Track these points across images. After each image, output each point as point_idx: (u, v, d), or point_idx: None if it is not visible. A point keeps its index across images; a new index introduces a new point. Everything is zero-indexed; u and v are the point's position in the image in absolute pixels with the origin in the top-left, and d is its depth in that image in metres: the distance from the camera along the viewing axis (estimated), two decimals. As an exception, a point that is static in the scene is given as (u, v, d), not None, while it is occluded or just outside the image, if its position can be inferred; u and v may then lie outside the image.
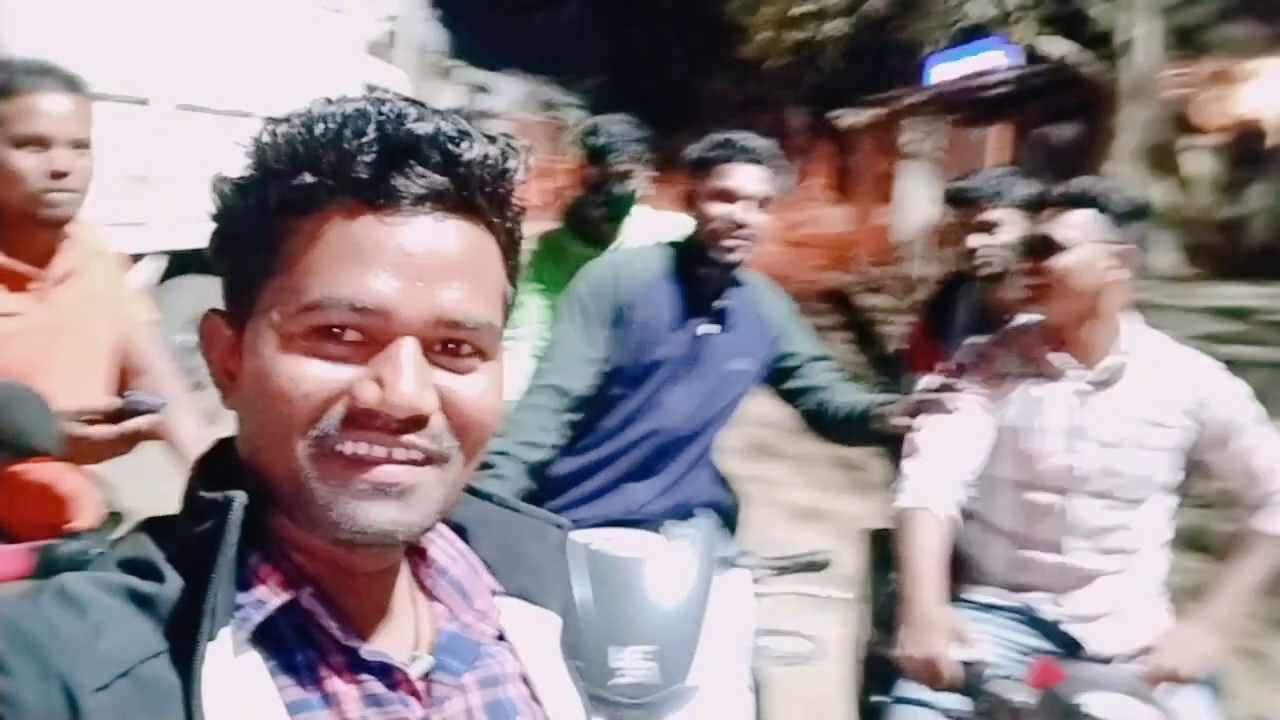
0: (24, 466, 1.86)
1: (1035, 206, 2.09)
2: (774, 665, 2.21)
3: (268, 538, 0.69)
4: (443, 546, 0.80)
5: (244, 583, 0.66)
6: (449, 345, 0.67)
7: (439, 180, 0.66)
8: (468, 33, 26.18)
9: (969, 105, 13.78)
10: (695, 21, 26.69)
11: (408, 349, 0.64)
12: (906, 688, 1.93)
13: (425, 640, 0.75)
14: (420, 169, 0.65)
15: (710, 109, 36.82)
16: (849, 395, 2.34)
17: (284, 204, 0.66)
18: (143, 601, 0.63)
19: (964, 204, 2.67)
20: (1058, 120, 13.14)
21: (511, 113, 23.73)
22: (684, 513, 2.30)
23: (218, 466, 0.70)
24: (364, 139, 0.64)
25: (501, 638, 0.79)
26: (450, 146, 0.66)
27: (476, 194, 0.68)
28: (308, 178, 0.64)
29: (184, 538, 0.66)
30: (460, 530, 0.82)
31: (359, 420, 0.64)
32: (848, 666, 2.57)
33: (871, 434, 2.25)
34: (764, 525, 4.92)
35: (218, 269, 0.71)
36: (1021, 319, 2.20)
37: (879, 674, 2.15)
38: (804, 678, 2.57)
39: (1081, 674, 1.79)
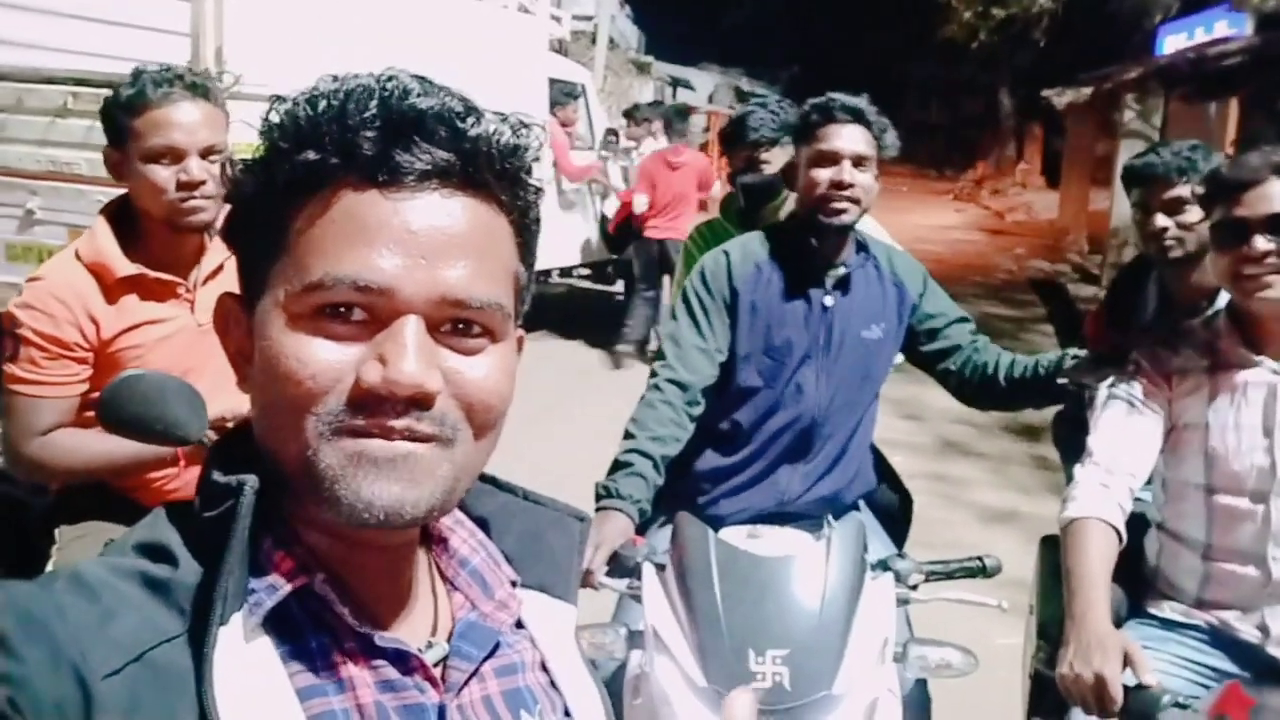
0: (176, 469, 2.00)
1: (1236, 184, 1.82)
2: (928, 676, 2.08)
3: (282, 523, 0.69)
4: (464, 537, 0.79)
5: (258, 568, 0.66)
6: (458, 326, 0.67)
7: (444, 156, 0.65)
8: (663, 28, 26.49)
9: (1196, 79, 12.72)
10: (897, 4, 25.96)
11: (411, 327, 0.64)
12: (1075, 713, 1.77)
13: (444, 629, 0.75)
14: (425, 144, 0.64)
15: (914, 94, 35.90)
16: (999, 356, 2.24)
17: (290, 183, 0.65)
18: (156, 586, 0.64)
19: (1149, 181, 2.43)
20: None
21: (707, 106, 23.78)
22: (841, 507, 2.23)
23: (235, 453, 0.70)
24: (367, 114, 0.63)
25: (520, 626, 0.79)
26: (456, 122, 0.65)
27: (484, 171, 0.67)
28: (311, 155, 0.64)
29: (198, 522, 0.66)
30: (483, 523, 0.82)
31: (364, 401, 0.63)
32: (1018, 683, 2.39)
33: (1039, 394, 2.18)
34: (953, 527, 4.71)
35: (234, 251, 0.71)
36: (1221, 306, 1.98)
37: (1047, 694, 1.98)
38: (969, 692, 2.42)
39: (1274, 703, 1.58)
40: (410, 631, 0.72)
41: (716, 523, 2.09)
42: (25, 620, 0.59)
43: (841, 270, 2.19)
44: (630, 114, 8.78)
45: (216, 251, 2.06)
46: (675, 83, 24.06)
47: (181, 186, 1.90)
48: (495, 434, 0.70)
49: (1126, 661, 1.64)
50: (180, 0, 4.42)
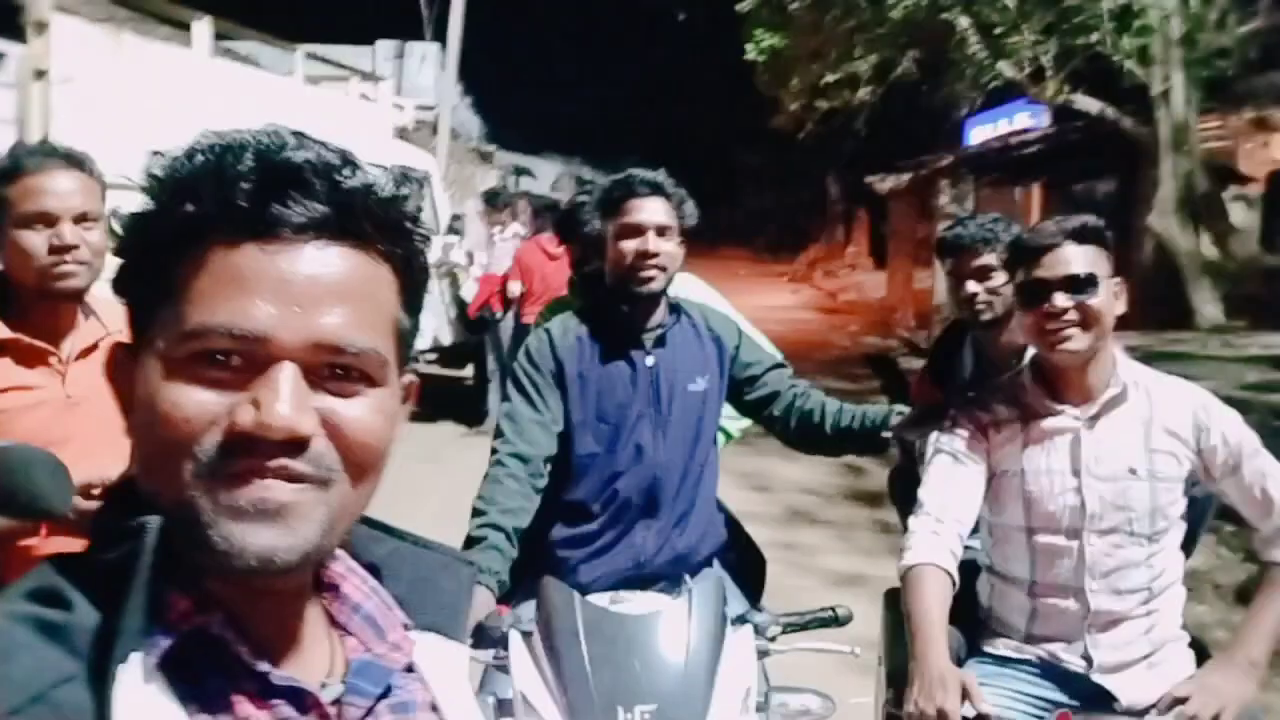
0: (37, 539, 1.89)
1: (1043, 249, 1.98)
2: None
3: (178, 567, 0.68)
4: (355, 584, 0.79)
5: (155, 610, 0.66)
6: (336, 371, 0.68)
7: (320, 209, 0.66)
8: (504, 118, 26.84)
9: (1002, 166, 13.79)
10: (728, 97, 27.13)
11: (285, 372, 0.65)
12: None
13: (339, 672, 0.75)
14: (301, 198, 0.66)
15: (749, 181, 37.34)
16: (825, 403, 2.37)
17: (170, 235, 0.67)
18: (51, 630, 0.63)
19: (958, 251, 2.67)
20: (1091, 177, 13.09)
21: (550, 194, 24.13)
22: (697, 564, 2.30)
23: (127, 499, 0.70)
24: (242, 168, 0.65)
25: (411, 669, 0.79)
26: (333, 175, 0.67)
27: (363, 222, 0.68)
28: (189, 208, 0.66)
29: (94, 566, 0.66)
30: (374, 569, 0.82)
31: (238, 444, 0.64)
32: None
33: (864, 444, 2.34)
34: (803, 592, 4.82)
35: (123, 302, 0.72)
36: (1023, 365, 2.17)
37: (897, 735, 2.07)
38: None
39: (1101, 727, 1.71)
40: (306, 673, 0.72)
41: (579, 590, 2.12)
42: None
43: (658, 330, 2.30)
44: (491, 199, 8.67)
45: (92, 329, 2.03)
46: (519, 171, 24.31)
47: (54, 251, 1.89)
48: (375, 478, 0.71)
49: (965, 696, 1.75)
50: (5, 90, 4.29)
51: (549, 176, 27.45)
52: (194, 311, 0.65)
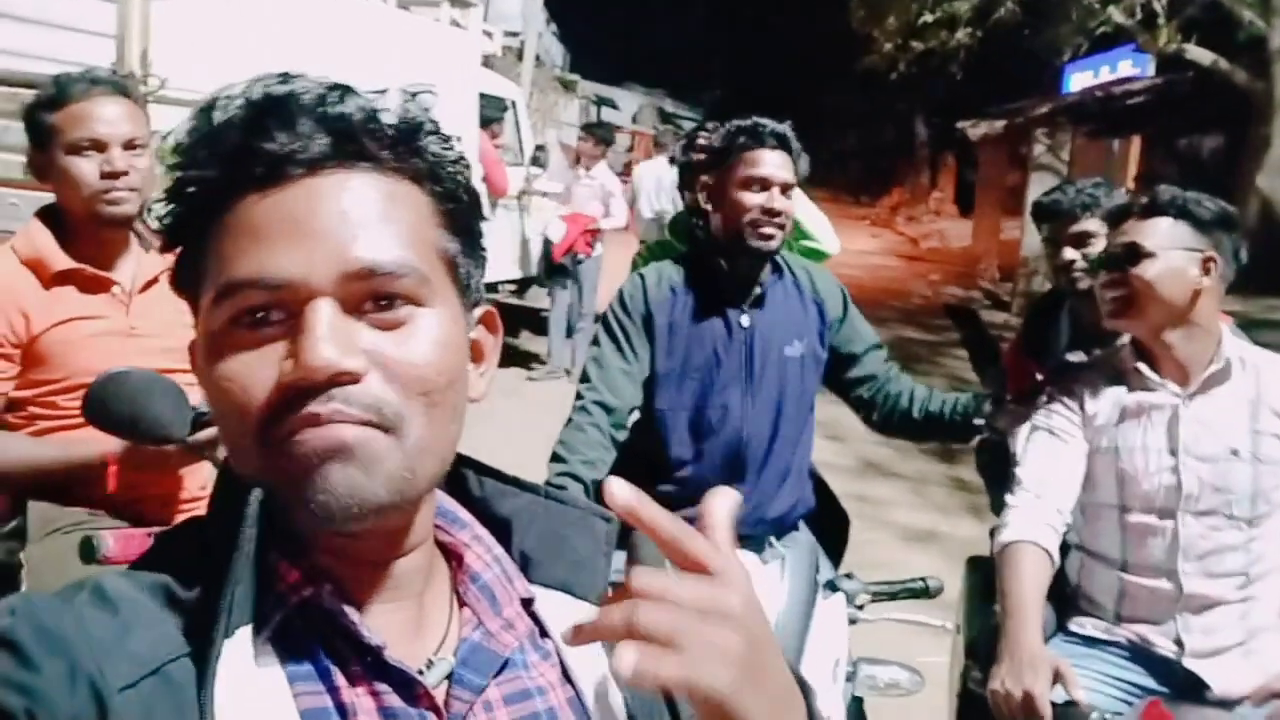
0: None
1: (1116, 219, 2.00)
2: (875, 695, 2.12)
3: (289, 539, 0.67)
4: (479, 552, 0.76)
5: (265, 583, 0.65)
6: (380, 302, 0.65)
7: (318, 140, 0.64)
8: (587, 47, 26.56)
9: (1102, 116, 13.25)
10: (818, 33, 26.49)
11: (318, 311, 0.63)
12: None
13: (450, 647, 0.72)
14: (291, 132, 0.64)
15: (833, 121, 36.57)
16: (914, 388, 2.30)
17: (190, 206, 0.66)
18: (174, 601, 0.64)
19: (1056, 217, 2.58)
20: (1196, 132, 12.54)
21: (632, 126, 23.91)
22: (782, 528, 2.25)
23: (236, 474, 0.69)
24: (228, 118, 0.64)
25: (544, 634, 0.76)
26: (321, 105, 0.65)
27: (368, 145, 0.66)
28: (193, 173, 0.65)
29: (210, 538, 0.66)
30: (504, 524, 0.79)
31: (289, 398, 0.62)
32: (943, 701, 2.46)
33: (952, 432, 2.24)
34: (873, 547, 4.79)
35: (182, 297, 0.72)
36: (1129, 333, 2.09)
37: (975, 711, 2.04)
38: (911, 711, 2.48)
39: (1195, 719, 1.66)
40: (413, 651, 0.70)
41: None
42: (43, 632, 0.59)
43: (758, 290, 2.22)
44: (595, 130, 8.32)
45: (153, 262, 2.04)
46: (600, 101, 24.13)
47: (105, 177, 1.90)
48: (450, 409, 0.68)
49: (1056, 679, 1.70)
50: (106, 1, 4.32)
51: (631, 108, 27.22)
52: (221, 273, 0.64)
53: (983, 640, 2.07)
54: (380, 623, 0.69)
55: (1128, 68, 14.29)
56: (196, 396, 2.07)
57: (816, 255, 3.12)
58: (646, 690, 0.55)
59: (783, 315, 2.24)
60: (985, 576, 2.17)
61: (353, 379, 0.62)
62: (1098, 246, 2.45)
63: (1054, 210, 2.60)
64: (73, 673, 0.58)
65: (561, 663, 0.75)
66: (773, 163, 2.13)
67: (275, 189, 0.64)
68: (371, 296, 0.64)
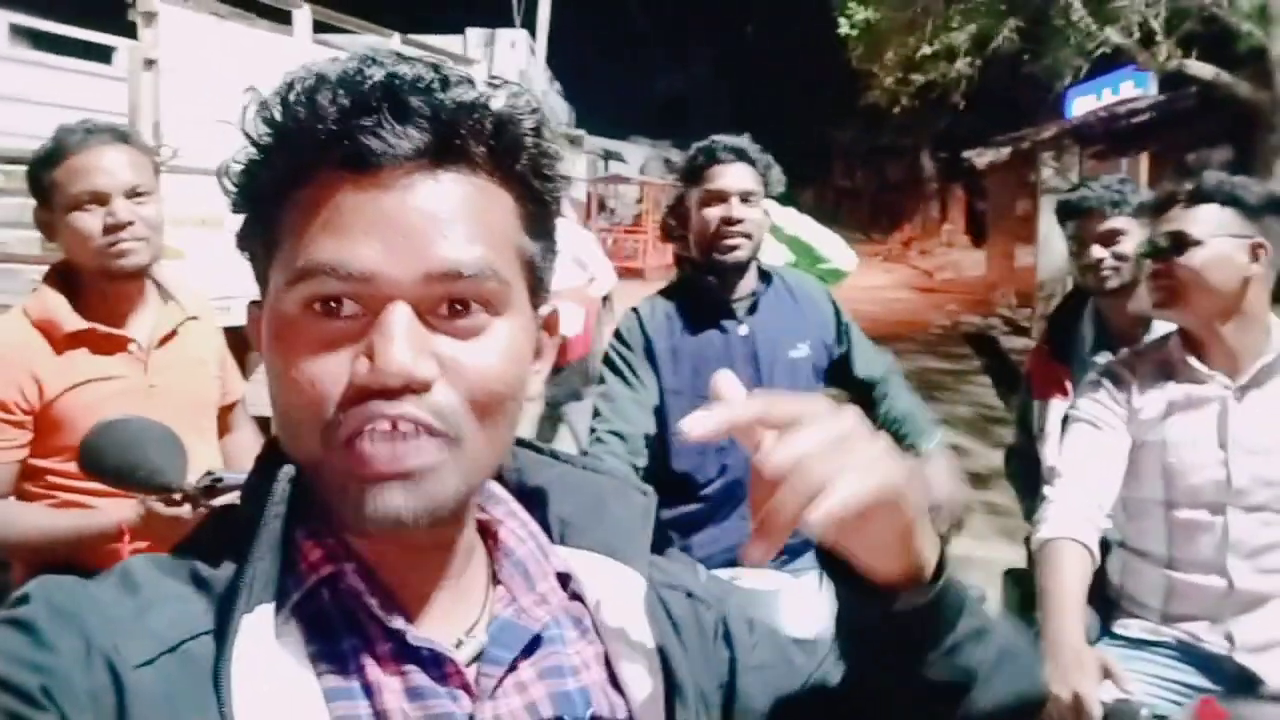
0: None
1: (1160, 207, 1.95)
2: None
3: (316, 517, 0.67)
4: (513, 528, 0.75)
5: (290, 562, 0.65)
6: (455, 308, 0.63)
7: (417, 135, 0.62)
8: (592, 104, 26.89)
9: (1108, 137, 13.26)
10: (818, 74, 26.73)
11: (396, 314, 0.61)
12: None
13: (484, 624, 0.71)
14: (393, 122, 0.61)
15: (840, 161, 36.81)
16: (889, 394, 2.33)
17: (271, 180, 0.64)
18: (200, 581, 0.63)
19: (1083, 215, 2.53)
20: (1204, 146, 12.51)
21: (639, 177, 24.12)
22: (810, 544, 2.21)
23: (278, 454, 0.68)
24: (328, 96, 0.61)
25: (578, 598, 0.74)
26: (427, 94, 0.62)
27: (469, 143, 0.64)
28: (284, 150, 0.63)
29: (240, 516, 0.66)
30: (539, 492, 0.78)
31: (359, 398, 0.61)
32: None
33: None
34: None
35: (247, 258, 0.70)
36: (1157, 333, 2.06)
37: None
38: None
39: (1250, 715, 1.60)
40: (446, 630, 0.68)
41: None
42: (58, 612, 0.59)
43: (749, 299, 2.24)
44: None
45: (171, 314, 2.01)
46: (608, 155, 24.40)
47: (109, 230, 1.83)
48: (505, 423, 0.67)
49: (1105, 677, 1.65)
50: (116, 81, 4.41)
51: (637, 160, 27.46)
52: (300, 254, 0.62)
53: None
54: (416, 602, 0.68)
55: (1130, 89, 14.31)
56: (216, 460, 2.05)
57: (835, 275, 3.11)
58: (838, 523, 0.56)
59: (781, 320, 2.26)
60: (1024, 590, 2.12)
61: (424, 386, 0.62)
62: (1127, 244, 2.43)
63: (1080, 207, 2.55)
64: (88, 650, 0.58)
65: (597, 632, 0.74)
66: (729, 174, 2.19)
67: (367, 177, 0.62)
68: (449, 299, 0.63)
